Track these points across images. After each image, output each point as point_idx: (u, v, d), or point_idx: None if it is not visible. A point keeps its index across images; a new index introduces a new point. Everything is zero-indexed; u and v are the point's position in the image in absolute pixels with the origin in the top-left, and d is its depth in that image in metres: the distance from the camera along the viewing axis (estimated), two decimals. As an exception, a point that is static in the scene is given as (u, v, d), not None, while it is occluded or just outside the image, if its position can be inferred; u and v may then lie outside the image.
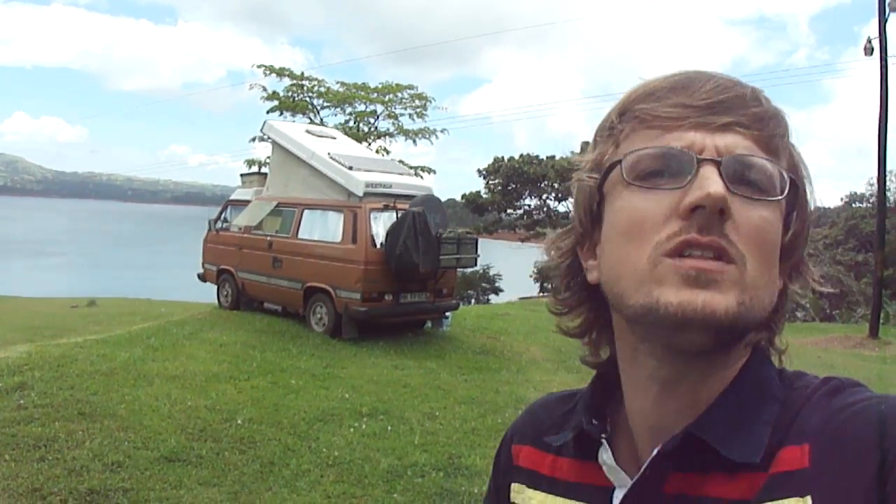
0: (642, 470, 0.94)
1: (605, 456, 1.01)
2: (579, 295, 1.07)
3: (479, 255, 15.10)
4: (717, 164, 0.87)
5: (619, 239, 0.92)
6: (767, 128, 0.92)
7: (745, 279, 0.86)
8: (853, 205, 42.70)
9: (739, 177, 0.88)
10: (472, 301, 34.55)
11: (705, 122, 0.90)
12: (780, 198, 0.90)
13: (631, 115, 0.95)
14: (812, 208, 0.99)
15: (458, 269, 16.04)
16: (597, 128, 1.03)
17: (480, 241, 15.69)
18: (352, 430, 8.22)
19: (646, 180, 0.91)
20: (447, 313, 15.62)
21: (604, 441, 1.02)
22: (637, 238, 0.89)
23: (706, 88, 0.92)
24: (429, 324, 15.60)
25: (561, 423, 1.13)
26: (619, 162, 0.93)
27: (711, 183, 0.85)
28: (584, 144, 1.08)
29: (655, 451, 0.93)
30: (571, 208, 1.05)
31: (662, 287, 0.86)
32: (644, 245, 0.88)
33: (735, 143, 0.90)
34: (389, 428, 8.38)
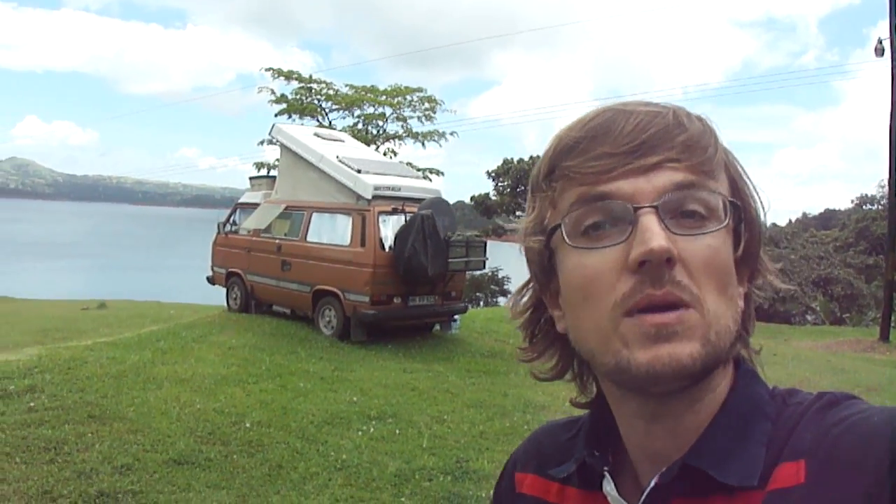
0: (640, 502, 0.95)
1: (609, 487, 1.02)
2: (546, 339, 1.08)
3: (487, 258, 15.10)
4: (655, 208, 0.88)
5: (577, 300, 0.93)
6: (696, 153, 0.91)
7: (705, 317, 0.87)
8: (863, 207, 42.56)
9: (680, 213, 0.89)
10: (481, 303, 34.48)
11: (634, 168, 0.90)
12: (722, 224, 0.90)
13: (559, 173, 0.95)
14: (759, 211, 0.99)
15: (467, 272, 16.04)
16: (530, 183, 1.03)
17: (489, 243, 15.69)
18: (360, 433, 8.23)
19: (588, 238, 0.92)
20: (456, 316, 15.65)
21: (606, 473, 1.03)
22: (594, 298, 0.90)
23: (627, 130, 0.91)
24: (437, 326, 15.63)
25: (564, 450, 1.13)
26: (559, 226, 0.94)
27: (653, 236, 0.85)
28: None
29: (653, 483, 0.94)
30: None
31: (629, 347, 0.87)
32: (602, 305, 0.89)
33: (668, 180, 0.89)
34: (398, 431, 8.39)
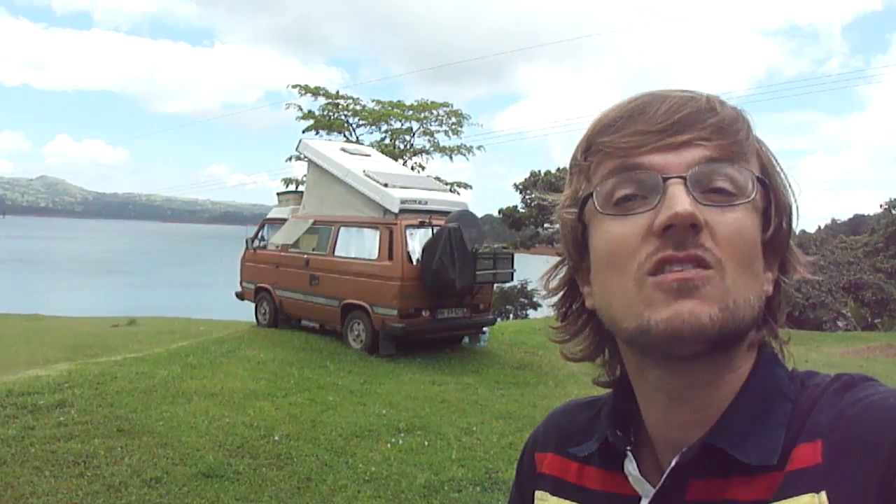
0: (662, 481, 0.96)
1: (630, 467, 1.03)
2: (579, 320, 1.09)
3: (515, 270, 15.09)
4: (683, 179, 0.90)
5: (604, 266, 0.95)
6: (728, 135, 0.94)
7: (725, 282, 0.88)
8: (892, 211, 42.11)
9: (708, 187, 0.91)
10: (511, 316, 34.41)
11: (666, 144, 0.93)
12: (750, 199, 0.92)
13: (595, 148, 0.98)
14: (790, 199, 1.01)
15: (495, 284, 16.04)
16: (570, 162, 1.05)
17: (518, 255, 15.67)
18: (389, 445, 8.22)
19: (618, 207, 0.94)
20: (484, 328, 15.65)
21: (628, 453, 1.04)
22: (619, 263, 0.92)
23: (661, 111, 0.94)
24: (466, 339, 15.62)
25: (584, 430, 1.14)
26: (591, 194, 0.97)
27: (678, 201, 0.88)
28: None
29: (674, 462, 0.95)
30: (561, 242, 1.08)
31: (651, 307, 0.89)
32: (627, 270, 0.91)
33: (698, 156, 0.92)
34: (426, 443, 8.38)
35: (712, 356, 0.92)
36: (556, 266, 1.12)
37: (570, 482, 1.13)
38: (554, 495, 1.15)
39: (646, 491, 1.00)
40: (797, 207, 1.01)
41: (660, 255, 0.88)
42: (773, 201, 0.96)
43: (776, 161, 1.00)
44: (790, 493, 0.86)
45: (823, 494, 0.83)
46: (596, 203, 0.95)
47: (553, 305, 1.13)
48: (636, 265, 0.90)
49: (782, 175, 1.00)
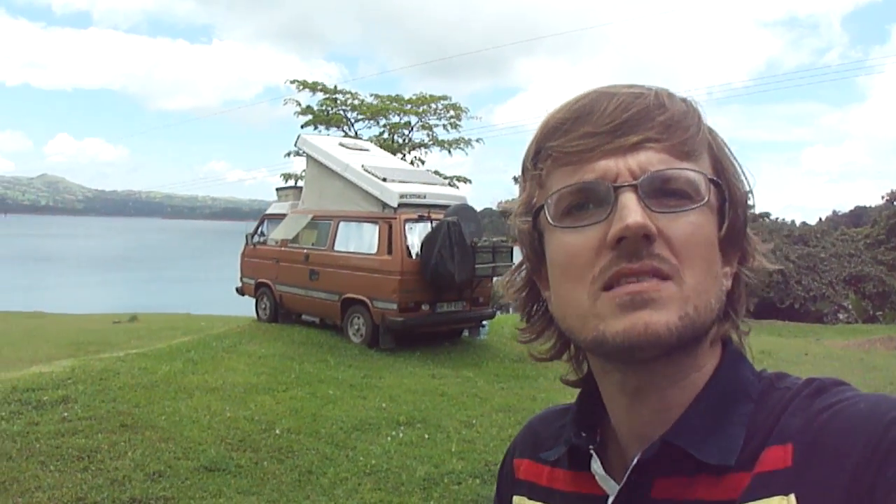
0: (625, 478, 0.97)
1: (596, 466, 1.03)
2: (543, 320, 1.09)
3: (514, 264, 15.07)
4: (634, 187, 0.89)
5: (560, 278, 0.95)
6: (678, 133, 0.92)
7: (684, 291, 0.88)
8: (894, 203, 41.96)
9: (660, 192, 0.89)
10: (510, 309, 34.35)
11: (615, 147, 0.91)
12: (703, 202, 0.91)
13: (545, 153, 0.97)
14: (745, 188, 1.00)
15: (495, 278, 16.06)
16: (521, 166, 1.04)
17: (517, 249, 15.66)
18: (389, 438, 8.27)
19: (571, 217, 0.93)
20: (484, 322, 15.70)
21: (592, 452, 1.04)
22: (574, 276, 0.92)
23: (609, 111, 0.92)
24: (465, 332, 15.68)
25: (557, 435, 1.15)
26: (543, 206, 0.96)
27: (630, 212, 0.86)
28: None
29: (635, 460, 0.95)
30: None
31: (606, 320, 0.88)
32: (582, 282, 0.91)
33: (648, 159, 0.90)
34: (426, 436, 8.42)
35: (672, 357, 0.92)
36: (517, 268, 1.12)
37: (542, 486, 1.15)
38: (530, 499, 1.16)
39: (612, 488, 1.01)
40: (753, 195, 1.00)
41: (614, 269, 0.88)
42: (727, 196, 0.95)
43: (729, 151, 0.99)
44: (759, 494, 0.86)
45: (793, 497, 0.83)
46: (548, 215, 0.95)
47: (517, 308, 1.13)
48: (590, 278, 0.89)
49: (736, 165, 0.99)
